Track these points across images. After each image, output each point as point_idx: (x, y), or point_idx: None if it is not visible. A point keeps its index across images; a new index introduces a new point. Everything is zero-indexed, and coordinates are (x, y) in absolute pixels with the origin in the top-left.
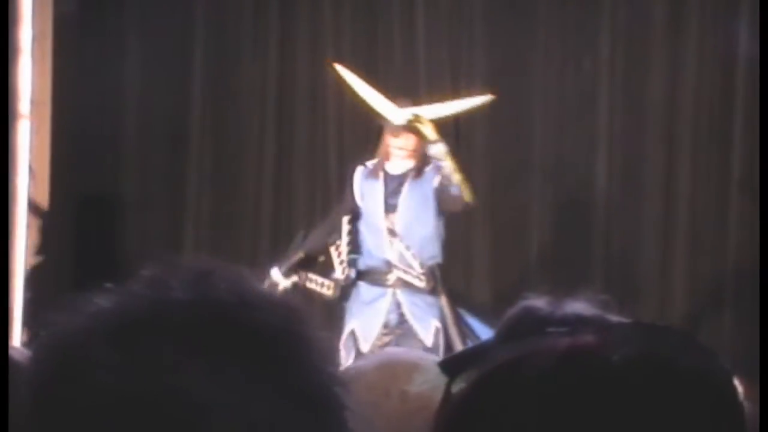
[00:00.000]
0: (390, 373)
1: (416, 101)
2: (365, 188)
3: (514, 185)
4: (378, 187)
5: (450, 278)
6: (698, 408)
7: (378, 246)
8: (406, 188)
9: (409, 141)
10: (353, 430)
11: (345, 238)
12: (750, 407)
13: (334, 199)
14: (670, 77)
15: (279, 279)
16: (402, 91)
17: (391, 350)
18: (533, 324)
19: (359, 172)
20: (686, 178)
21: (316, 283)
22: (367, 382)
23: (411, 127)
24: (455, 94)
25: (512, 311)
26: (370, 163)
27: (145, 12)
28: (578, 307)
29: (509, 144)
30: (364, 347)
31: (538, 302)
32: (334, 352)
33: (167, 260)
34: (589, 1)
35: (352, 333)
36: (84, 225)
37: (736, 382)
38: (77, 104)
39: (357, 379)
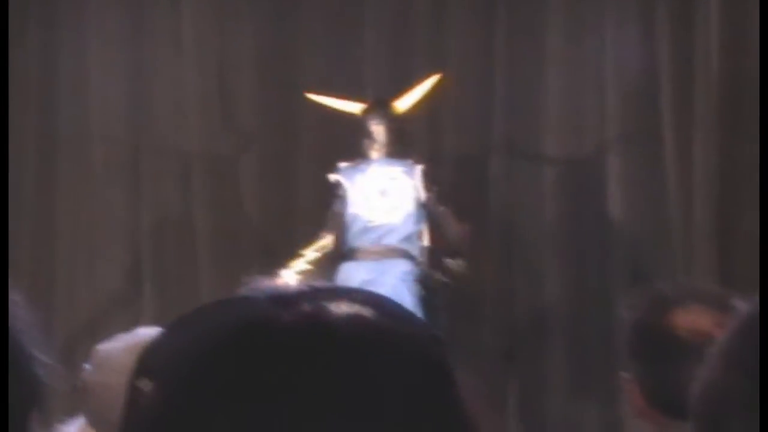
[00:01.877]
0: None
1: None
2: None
3: (285, 173)
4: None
5: None
6: (406, 368)
7: None
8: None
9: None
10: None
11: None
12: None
13: (97, 191)
14: (433, 70)
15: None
16: (169, 81)
17: (142, 331)
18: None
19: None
20: (447, 173)
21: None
22: (115, 365)
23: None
24: (222, 82)
25: (241, 292)
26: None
27: None
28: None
29: (278, 128)
30: None
31: (265, 283)
32: (40, 339)
33: None
34: None
35: None
36: None
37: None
38: None
39: (105, 361)
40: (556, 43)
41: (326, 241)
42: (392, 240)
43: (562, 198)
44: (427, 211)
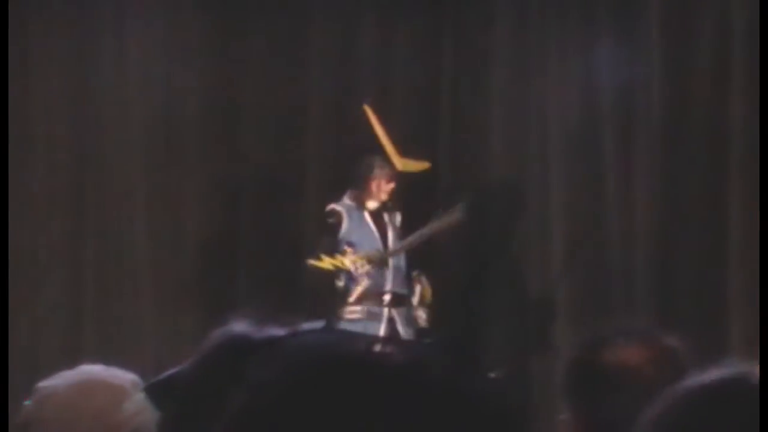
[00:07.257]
0: (83, 392)
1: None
2: (354, 223)
3: (230, 201)
4: (367, 220)
5: None
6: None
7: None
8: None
9: (393, 185)
10: None
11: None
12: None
13: (39, 220)
14: (378, 99)
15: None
16: (114, 109)
17: (86, 368)
18: (234, 346)
19: (343, 209)
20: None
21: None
22: (58, 402)
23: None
24: (167, 110)
25: (214, 334)
26: (349, 200)
27: None
28: (278, 331)
29: (224, 157)
30: None
31: (239, 326)
32: None
33: None
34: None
35: None
36: None
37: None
38: None
39: (47, 398)
40: (502, 74)
41: None
42: None
43: (504, 231)
44: None
